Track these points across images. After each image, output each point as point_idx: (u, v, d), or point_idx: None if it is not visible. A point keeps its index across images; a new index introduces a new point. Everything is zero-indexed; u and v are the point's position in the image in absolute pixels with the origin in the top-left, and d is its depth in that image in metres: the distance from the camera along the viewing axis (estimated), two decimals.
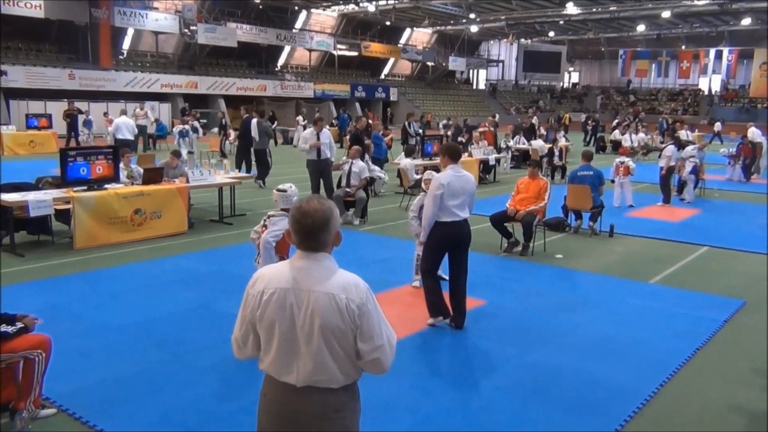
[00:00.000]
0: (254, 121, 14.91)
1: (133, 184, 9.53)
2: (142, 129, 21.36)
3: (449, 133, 17.88)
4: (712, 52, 48.86)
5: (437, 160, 14.09)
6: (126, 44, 35.23)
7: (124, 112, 19.39)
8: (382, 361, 2.41)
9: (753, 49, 45.85)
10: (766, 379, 4.95)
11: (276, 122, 27.42)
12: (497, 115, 27.08)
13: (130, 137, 18.07)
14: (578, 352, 5.43)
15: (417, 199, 7.07)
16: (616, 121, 31.06)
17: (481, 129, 19.31)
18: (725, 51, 48.06)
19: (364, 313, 2.35)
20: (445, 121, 27.66)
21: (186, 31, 33.86)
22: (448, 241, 5.79)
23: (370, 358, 2.39)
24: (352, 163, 11.02)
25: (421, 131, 19.93)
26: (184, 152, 17.52)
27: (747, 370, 5.18)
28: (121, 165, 9.61)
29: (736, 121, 36.62)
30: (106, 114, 23.73)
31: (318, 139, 11.35)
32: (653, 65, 52.44)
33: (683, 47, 50.36)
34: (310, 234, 2.38)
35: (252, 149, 15.06)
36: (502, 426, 4.19)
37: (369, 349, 2.38)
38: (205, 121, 26.39)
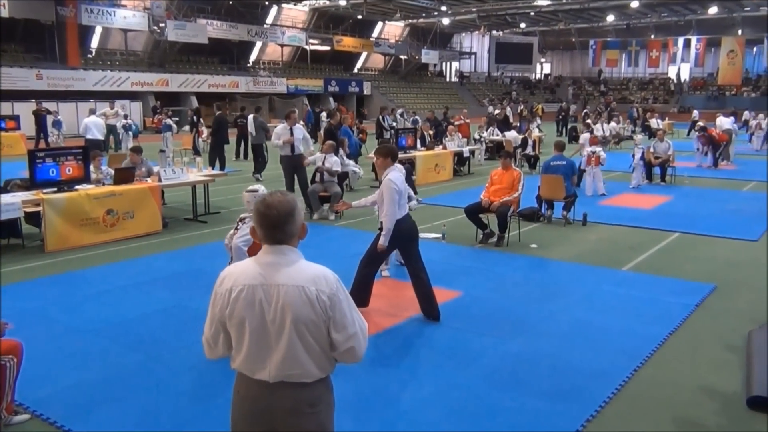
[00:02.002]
0: (251, 116, 15.52)
1: (103, 185, 9.40)
2: (112, 129, 21.05)
3: (422, 126, 17.94)
4: (681, 40, 49.54)
5: (412, 153, 14.34)
6: (94, 43, 34.62)
7: (93, 112, 19.08)
8: (356, 350, 2.42)
9: (720, 38, 46.61)
10: (736, 361, 5.05)
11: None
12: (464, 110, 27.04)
13: (100, 137, 17.83)
14: (554, 339, 5.50)
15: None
16: (585, 111, 31.34)
17: (457, 122, 19.37)
18: (693, 39, 48.75)
19: (336, 303, 2.36)
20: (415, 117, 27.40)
21: (155, 28, 33.40)
22: (405, 235, 5.89)
23: (345, 347, 2.40)
24: (325, 158, 11.02)
25: (395, 125, 19.95)
26: (130, 144, 18.37)
27: (718, 352, 5.29)
28: (92, 167, 9.47)
29: (705, 109, 37.17)
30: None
31: (291, 134, 11.29)
32: (623, 55, 53.05)
33: (652, 36, 50.99)
34: (275, 225, 2.38)
35: (250, 144, 15.84)
36: (481, 415, 4.23)
37: (343, 339, 2.39)
38: (177, 119, 26.09)
